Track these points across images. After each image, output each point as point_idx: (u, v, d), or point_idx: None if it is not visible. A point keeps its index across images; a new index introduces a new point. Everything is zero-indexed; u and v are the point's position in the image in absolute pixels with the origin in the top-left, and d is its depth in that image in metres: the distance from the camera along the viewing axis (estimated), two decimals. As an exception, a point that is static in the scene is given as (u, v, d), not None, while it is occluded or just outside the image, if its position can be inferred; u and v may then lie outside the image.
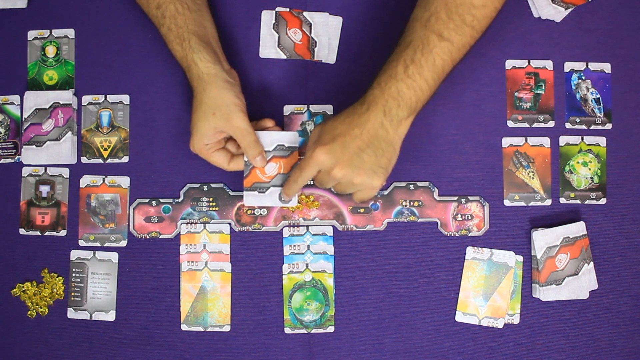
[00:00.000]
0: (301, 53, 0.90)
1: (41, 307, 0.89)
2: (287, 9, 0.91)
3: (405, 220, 0.90)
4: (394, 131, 0.75)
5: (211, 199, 0.90)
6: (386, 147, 0.75)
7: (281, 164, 0.84)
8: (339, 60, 0.91)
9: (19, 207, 0.91)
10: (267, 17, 0.91)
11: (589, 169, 0.90)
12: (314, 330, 0.88)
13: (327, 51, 0.90)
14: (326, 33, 0.90)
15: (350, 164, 0.74)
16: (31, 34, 0.92)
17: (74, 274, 0.89)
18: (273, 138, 0.83)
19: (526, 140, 0.90)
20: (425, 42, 0.74)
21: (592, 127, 0.91)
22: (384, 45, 0.91)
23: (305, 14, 0.91)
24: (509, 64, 0.91)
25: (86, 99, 0.92)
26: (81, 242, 0.89)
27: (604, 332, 0.89)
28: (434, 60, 0.74)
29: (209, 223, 0.90)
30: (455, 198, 0.90)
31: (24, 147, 0.90)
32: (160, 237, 0.90)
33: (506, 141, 0.90)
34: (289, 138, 0.84)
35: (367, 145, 0.74)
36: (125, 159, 0.91)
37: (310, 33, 0.91)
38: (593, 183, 0.90)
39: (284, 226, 0.90)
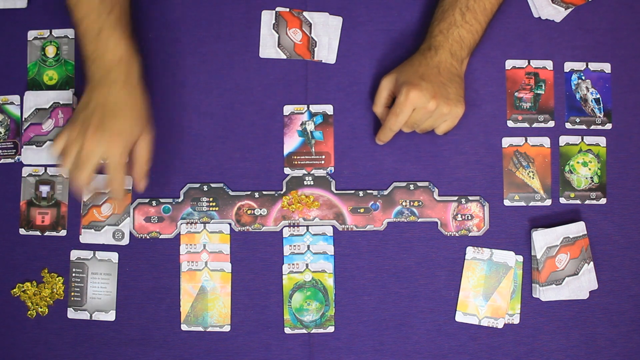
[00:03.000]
0: (301, 53, 0.91)
1: (41, 307, 0.89)
2: (287, 9, 0.91)
3: (405, 220, 0.90)
4: (460, 68, 0.85)
5: (211, 199, 0.90)
6: (459, 81, 0.84)
7: (116, 204, 0.89)
8: (339, 60, 0.91)
9: (19, 207, 0.91)
10: (267, 17, 0.91)
11: (589, 169, 0.90)
12: (314, 330, 0.89)
13: (327, 51, 0.90)
14: (326, 33, 0.90)
15: (441, 95, 0.82)
16: (31, 34, 0.92)
17: (74, 274, 0.90)
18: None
19: (526, 140, 0.90)
20: None
21: (592, 127, 0.91)
22: (384, 44, 0.91)
23: (305, 14, 0.91)
24: (509, 64, 0.91)
25: (86, 99, 0.91)
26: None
27: (604, 332, 0.89)
28: (484, 5, 0.85)
29: (209, 223, 0.90)
30: (455, 198, 0.90)
31: (24, 147, 0.90)
32: (160, 237, 0.90)
33: (506, 141, 0.90)
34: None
35: (448, 80, 0.83)
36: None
37: (310, 33, 0.91)
38: (593, 183, 0.90)
39: (284, 226, 0.90)
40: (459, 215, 0.89)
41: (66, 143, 0.79)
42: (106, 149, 0.78)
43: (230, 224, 0.90)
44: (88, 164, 0.78)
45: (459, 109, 0.83)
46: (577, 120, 0.91)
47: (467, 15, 0.84)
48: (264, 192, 0.90)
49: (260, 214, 0.90)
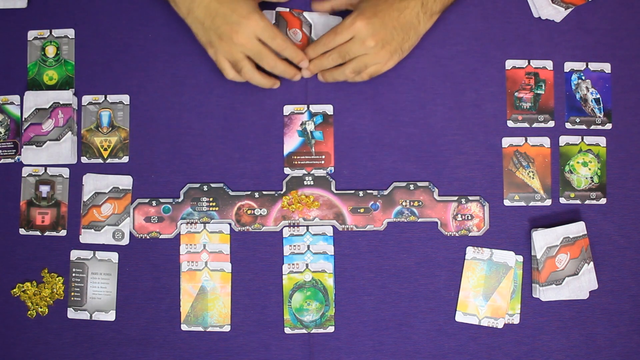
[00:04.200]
0: (301, 56, 0.90)
1: (41, 307, 0.89)
2: (287, 9, 0.91)
3: (405, 220, 0.90)
4: (424, 24, 0.85)
5: (211, 199, 0.90)
6: (413, 36, 0.85)
7: (116, 204, 0.88)
8: (339, 60, 0.91)
9: (19, 207, 0.91)
10: (267, 17, 0.91)
11: (589, 169, 0.90)
12: (314, 330, 0.89)
13: None
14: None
15: (383, 38, 0.82)
16: (31, 34, 0.92)
17: (74, 274, 0.90)
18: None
19: (526, 140, 0.90)
20: None
21: (592, 127, 0.91)
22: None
23: (305, 14, 0.90)
24: (509, 64, 0.91)
25: (86, 99, 0.92)
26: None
27: (604, 332, 0.89)
28: None
29: (209, 223, 0.90)
30: (455, 198, 0.90)
31: (24, 147, 0.90)
32: (160, 237, 0.90)
33: (506, 141, 0.90)
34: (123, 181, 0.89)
35: (401, 28, 0.83)
36: (125, 159, 0.91)
37: (310, 33, 0.90)
38: (593, 183, 0.90)
39: (284, 226, 0.90)
40: (459, 215, 0.89)
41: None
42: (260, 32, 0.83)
43: (230, 224, 0.90)
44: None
45: (391, 60, 0.84)
46: (577, 120, 0.91)
47: None
48: (264, 192, 0.90)
49: (260, 214, 0.90)
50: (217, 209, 0.90)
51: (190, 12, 0.84)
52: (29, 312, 0.89)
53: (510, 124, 0.91)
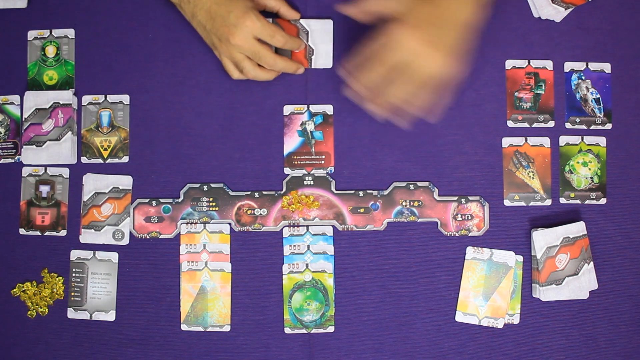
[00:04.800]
0: (299, 61, 0.90)
1: (41, 307, 0.89)
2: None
3: (405, 220, 0.90)
4: (474, 14, 0.77)
5: (211, 199, 0.90)
6: (465, 31, 0.77)
7: (116, 204, 0.88)
8: (339, 60, 0.91)
9: (19, 207, 0.91)
10: (267, 17, 0.91)
11: (589, 169, 0.90)
12: (314, 330, 0.89)
13: (324, 58, 0.90)
14: (323, 40, 0.90)
15: (431, 39, 0.74)
16: (31, 34, 0.92)
17: (74, 274, 0.90)
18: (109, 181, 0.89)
19: (526, 140, 0.90)
20: None
21: (592, 127, 0.91)
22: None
23: (302, 21, 0.90)
24: (509, 64, 0.91)
25: (86, 99, 0.92)
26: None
27: (604, 332, 0.89)
28: None
29: (209, 223, 0.90)
30: (455, 198, 0.90)
31: (24, 147, 0.90)
32: (160, 237, 0.90)
33: (506, 141, 0.90)
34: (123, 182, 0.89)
35: (450, 24, 0.76)
36: (125, 159, 0.91)
37: (308, 41, 0.90)
38: (593, 183, 0.90)
39: (284, 226, 0.90)
40: (459, 215, 0.89)
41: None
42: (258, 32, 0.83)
43: (230, 224, 0.90)
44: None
45: (446, 61, 0.75)
46: (577, 120, 0.91)
47: None
48: (264, 192, 0.90)
49: (260, 214, 0.90)
50: (217, 209, 0.90)
51: (194, 16, 0.85)
52: (29, 312, 0.89)
53: (510, 124, 0.91)
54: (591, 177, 0.90)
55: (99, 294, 0.89)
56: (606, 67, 0.91)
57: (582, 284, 0.87)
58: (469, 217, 0.89)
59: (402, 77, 0.76)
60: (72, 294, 0.89)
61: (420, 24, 0.74)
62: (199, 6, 0.83)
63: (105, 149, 0.91)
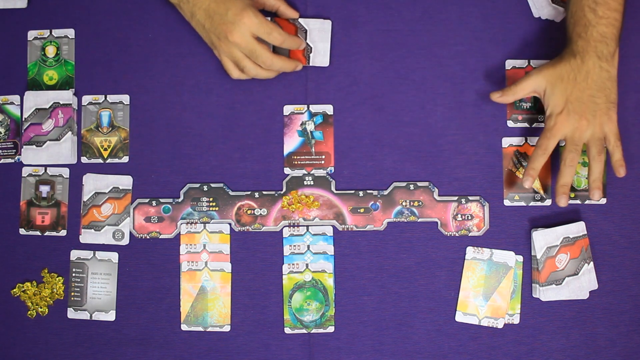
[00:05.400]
0: (297, 59, 0.90)
1: (41, 307, 0.89)
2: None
3: (405, 220, 0.90)
4: (611, 67, 0.82)
5: (211, 199, 0.90)
6: (610, 86, 0.82)
7: (116, 205, 0.88)
8: (339, 60, 0.91)
9: (19, 207, 0.91)
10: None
11: (589, 169, 0.90)
12: (314, 330, 0.89)
13: (322, 56, 0.90)
14: (321, 39, 0.90)
15: (589, 111, 0.81)
16: (31, 34, 0.92)
17: (74, 274, 0.90)
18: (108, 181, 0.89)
19: (526, 140, 0.90)
20: None
21: (592, 127, 0.91)
22: (383, 44, 0.91)
23: (300, 20, 0.90)
24: (509, 64, 0.91)
25: (86, 99, 0.92)
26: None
27: (604, 332, 0.89)
28: None
29: (209, 223, 0.90)
30: (455, 198, 0.90)
31: (24, 147, 0.90)
32: (160, 237, 0.90)
33: (506, 141, 0.90)
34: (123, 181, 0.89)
35: (597, 89, 0.82)
36: (125, 159, 0.91)
37: (306, 39, 0.90)
38: (593, 183, 0.90)
39: (284, 226, 0.90)
40: (459, 215, 0.89)
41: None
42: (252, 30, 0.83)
43: (230, 224, 0.90)
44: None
45: (608, 118, 0.82)
46: (577, 120, 0.91)
47: (599, 10, 0.81)
48: (264, 192, 0.90)
49: (260, 214, 0.90)
50: (217, 209, 0.90)
51: (193, 15, 0.84)
52: (29, 312, 0.89)
53: (510, 124, 0.91)
54: (591, 177, 0.90)
55: (99, 294, 0.89)
56: (606, 67, 0.91)
57: (582, 284, 0.87)
58: (469, 217, 0.89)
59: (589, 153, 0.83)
60: (72, 294, 0.89)
61: (562, 103, 0.82)
62: (197, 5, 0.83)
63: (105, 149, 0.91)
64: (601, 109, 0.82)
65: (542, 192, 0.90)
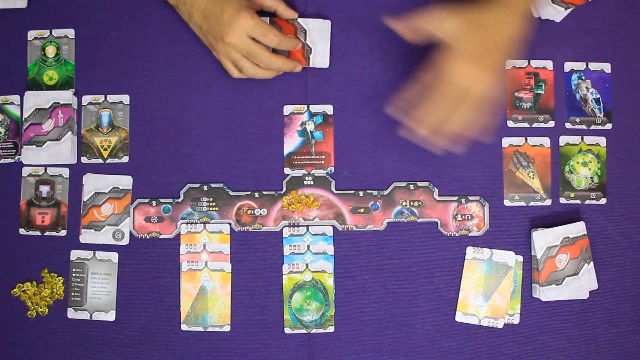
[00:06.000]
0: (296, 60, 0.90)
1: (41, 307, 0.89)
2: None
3: (405, 220, 0.90)
4: (518, 27, 0.78)
5: (211, 199, 0.90)
6: (509, 46, 0.78)
7: (116, 204, 0.88)
8: (339, 60, 0.91)
9: (19, 207, 0.91)
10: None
11: (589, 169, 0.90)
12: (314, 330, 0.89)
13: (322, 57, 0.90)
14: (321, 39, 0.90)
15: (488, 64, 0.76)
16: (31, 34, 0.92)
17: (74, 274, 0.90)
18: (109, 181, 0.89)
19: (526, 140, 0.90)
20: None
21: (592, 127, 0.91)
22: (383, 44, 0.91)
23: (300, 20, 0.90)
24: (509, 64, 0.91)
25: (86, 99, 0.92)
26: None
27: (604, 332, 0.89)
28: None
29: (209, 223, 0.90)
30: (455, 198, 0.90)
31: (24, 147, 0.90)
32: (160, 237, 0.90)
33: (506, 141, 0.90)
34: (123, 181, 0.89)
35: (501, 45, 0.77)
36: (125, 159, 0.91)
37: (305, 40, 0.90)
38: (593, 183, 0.90)
39: (284, 226, 0.90)
40: (459, 215, 0.89)
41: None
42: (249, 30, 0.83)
43: (230, 224, 0.90)
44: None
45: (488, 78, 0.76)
46: (577, 120, 0.91)
47: None
48: (264, 192, 0.90)
49: (260, 214, 0.90)
50: (217, 209, 0.90)
51: (191, 17, 0.85)
52: (29, 312, 0.89)
53: (510, 124, 0.91)
54: (591, 177, 0.90)
55: (99, 294, 0.89)
56: (606, 67, 0.91)
57: (582, 284, 0.87)
58: (469, 217, 0.89)
59: (462, 105, 0.76)
60: (72, 294, 0.89)
61: (473, 51, 0.75)
62: (195, 7, 0.83)
63: (105, 149, 0.91)
64: (491, 63, 0.76)
65: (542, 192, 0.90)
